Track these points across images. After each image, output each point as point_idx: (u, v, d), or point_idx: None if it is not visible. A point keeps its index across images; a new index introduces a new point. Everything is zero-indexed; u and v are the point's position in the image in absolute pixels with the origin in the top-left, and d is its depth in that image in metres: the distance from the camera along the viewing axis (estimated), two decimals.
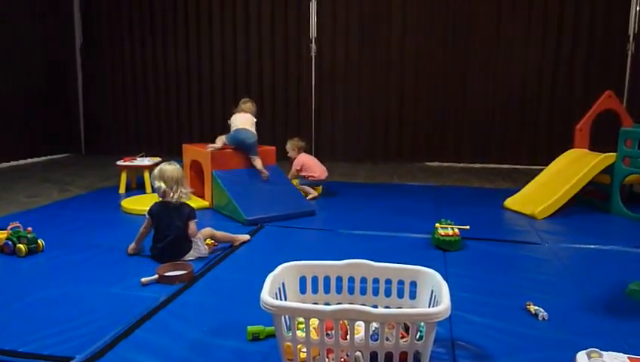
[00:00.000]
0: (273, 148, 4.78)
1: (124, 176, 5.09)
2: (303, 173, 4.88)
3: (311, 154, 7.21)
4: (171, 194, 3.05)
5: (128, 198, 4.65)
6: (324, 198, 4.95)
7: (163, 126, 7.91)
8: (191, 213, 3.05)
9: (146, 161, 5.18)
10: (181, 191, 3.06)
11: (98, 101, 8.03)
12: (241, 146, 4.34)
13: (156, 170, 3.08)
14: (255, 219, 3.93)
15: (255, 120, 4.55)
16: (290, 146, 4.99)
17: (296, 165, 4.79)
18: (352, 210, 4.42)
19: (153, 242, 3.07)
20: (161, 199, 3.07)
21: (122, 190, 5.08)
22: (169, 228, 3.02)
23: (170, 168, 3.08)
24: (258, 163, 4.34)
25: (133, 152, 6.45)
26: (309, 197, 4.76)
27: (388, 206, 4.58)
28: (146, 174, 5.06)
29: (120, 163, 5.13)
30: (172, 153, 7.30)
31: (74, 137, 8.10)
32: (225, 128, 4.66)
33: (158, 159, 5.32)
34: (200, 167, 4.54)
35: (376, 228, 3.85)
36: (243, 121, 4.41)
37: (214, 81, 7.61)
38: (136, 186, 5.28)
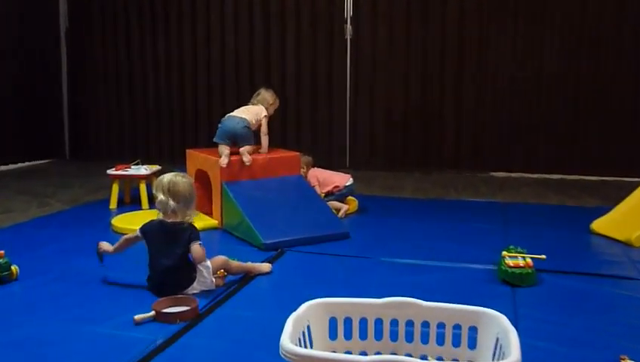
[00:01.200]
0: (296, 154, 4.82)
1: (115, 188, 5.19)
2: (324, 190, 4.95)
3: (344, 163, 7.46)
4: (178, 215, 3.06)
5: (121, 216, 4.74)
6: (360, 216, 4.97)
7: (164, 127, 8.03)
8: (192, 233, 3.04)
9: (143, 170, 5.28)
10: (190, 215, 3.09)
11: (86, 97, 8.21)
12: (232, 138, 4.41)
13: (164, 181, 3.08)
14: (275, 243, 3.96)
15: (265, 113, 4.63)
16: None
17: (311, 183, 4.85)
18: (396, 233, 4.42)
19: (149, 270, 3.11)
20: (161, 217, 3.09)
21: (113, 205, 5.17)
22: (167, 255, 3.04)
23: (183, 182, 3.10)
24: (245, 150, 4.40)
25: (127, 159, 6.56)
26: (341, 212, 4.81)
27: (442, 228, 4.57)
28: (143, 186, 5.16)
29: (111, 172, 5.24)
30: (174, 160, 7.41)
31: (56, 140, 8.26)
32: None
33: (157, 167, 5.42)
34: (207, 177, 4.61)
35: (427, 256, 3.84)
36: (240, 110, 4.54)
37: (226, 72, 7.72)
38: (131, 201, 5.37)
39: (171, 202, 3.05)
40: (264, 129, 4.64)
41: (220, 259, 3.22)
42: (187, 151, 5.03)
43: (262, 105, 4.67)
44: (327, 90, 7.45)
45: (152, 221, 3.16)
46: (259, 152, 4.64)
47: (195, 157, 4.82)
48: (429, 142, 7.28)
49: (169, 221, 3.07)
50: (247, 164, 4.41)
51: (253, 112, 4.61)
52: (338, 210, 4.82)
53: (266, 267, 3.44)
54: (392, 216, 5.00)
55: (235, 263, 3.31)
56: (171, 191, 3.06)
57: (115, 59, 8.00)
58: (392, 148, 7.39)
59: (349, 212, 4.95)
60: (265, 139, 4.64)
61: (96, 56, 8.05)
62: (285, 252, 3.90)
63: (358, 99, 7.39)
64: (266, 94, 4.73)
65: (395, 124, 7.33)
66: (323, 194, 4.93)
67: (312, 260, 3.77)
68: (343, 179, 5.06)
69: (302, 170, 4.90)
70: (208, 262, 3.12)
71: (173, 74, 7.88)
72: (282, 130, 7.48)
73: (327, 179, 5.03)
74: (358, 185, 6.46)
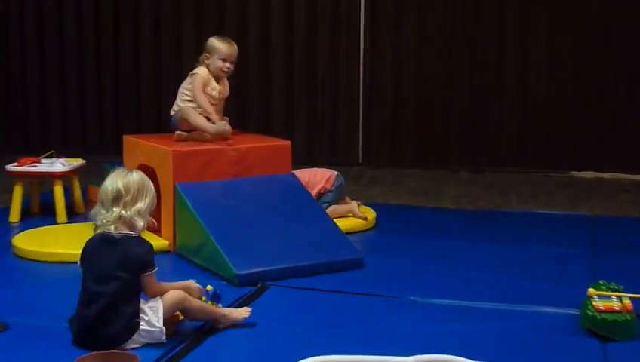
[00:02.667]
0: (287, 143, 4.86)
1: (18, 192, 5.20)
2: (314, 192, 5.05)
3: (355, 158, 7.58)
4: (125, 225, 3.15)
5: (26, 232, 4.74)
6: (379, 235, 4.99)
7: (89, 104, 8.10)
8: (145, 256, 3.13)
9: (59, 165, 5.29)
10: (143, 225, 3.20)
11: None
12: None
13: (118, 182, 3.16)
14: (254, 274, 3.96)
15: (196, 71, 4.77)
16: None
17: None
18: (431, 260, 4.43)
19: (77, 306, 3.14)
20: (100, 231, 3.16)
21: (15, 217, 5.19)
22: (101, 283, 3.07)
23: (133, 177, 3.21)
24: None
25: (36, 150, 6.56)
26: (356, 213, 5.05)
27: (499, 252, 4.58)
28: (59, 189, 5.16)
29: (12, 168, 5.25)
30: (104, 151, 7.40)
31: None
32: None
33: (79, 162, 5.43)
34: (154, 176, 4.59)
35: (477, 294, 3.83)
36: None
37: (184, 25, 7.82)
38: (41, 210, 5.38)
39: (116, 209, 3.13)
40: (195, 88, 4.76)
41: (176, 294, 3.22)
42: (125, 138, 5.02)
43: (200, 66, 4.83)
44: (329, 55, 7.57)
45: (92, 237, 3.22)
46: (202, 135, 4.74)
47: (137, 147, 4.83)
48: (481, 129, 7.36)
49: (114, 232, 3.13)
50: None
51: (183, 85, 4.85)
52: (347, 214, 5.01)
53: (242, 313, 3.43)
54: (425, 234, 5.00)
55: (197, 303, 3.30)
56: (131, 190, 3.17)
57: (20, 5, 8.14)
58: (426, 136, 7.45)
59: (361, 228, 5.00)
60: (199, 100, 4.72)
61: None
62: (269, 288, 3.90)
63: (375, 67, 7.50)
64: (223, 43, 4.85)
65: (431, 103, 7.41)
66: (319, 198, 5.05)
67: (309, 300, 3.76)
68: (326, 177, 5.16)
69: None
70: (158, 301, 3.14)
71: (106, 30, 8.00)
72: (265, 112, 7.67)
73: (312, 180, 5.12)
74: (377, 189, 6.60)
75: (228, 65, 4.77)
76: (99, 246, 3.14)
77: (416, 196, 6.27)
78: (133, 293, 3.10)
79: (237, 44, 4.82)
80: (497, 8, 7.27)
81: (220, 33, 5.28)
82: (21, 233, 4.72)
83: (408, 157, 7.51)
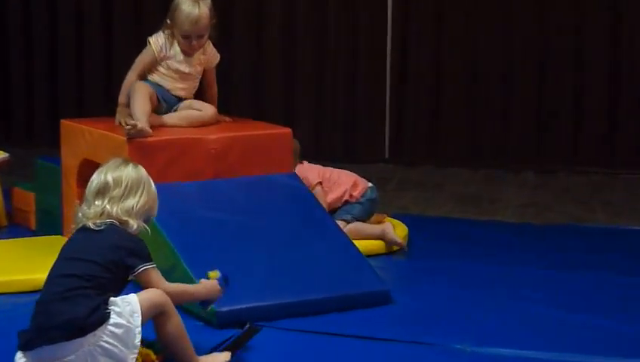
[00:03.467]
0: (287, 130, 4.91)
1: None
2: (330, 199, 5.13)
3: (381, 152, 7.68)
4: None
5: None
6: (412, 258, 5.00)
7: (15, 79, 8.20)
8: (137, 247, 3.37)
9: None
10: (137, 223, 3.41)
11: None
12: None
13: (107, 174, 3.39)
14: (240, 310, 3.94)
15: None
16: None
17: (310, 185, 5.10)
18: (481, 292, 4.43)
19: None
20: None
21: None
22: (70, 266, 3.23)
23: (137, 173, 3.47)
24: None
25: None
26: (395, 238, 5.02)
27: (575, 283, 4.58)
28: None
29: None
30: (35, 141, 7.55)
31: None
32: None
33: (2, 156, 5.45)
34: None
35: (545, 340, 3.82)
36: None
37: None
38: None
39: (98, 203, 3.36)
40: None
41: (156, 294, 3.35)
42: (63, 123, 5.03)
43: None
44: (342, 11, 7.64)
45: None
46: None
47: (80, 136, 4.83)
48: (552, 116, 7.42)
49: (95, 223, 3.33)
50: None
51: None
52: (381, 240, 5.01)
53: (222, 359, 3.48)
54: (475, 257, 5.02)
55: (178, 319, 3.40)
56: (102, 187, 3.38)
57: None
58: (477, 124, 7.52)
59: (388, 250, 5.03)
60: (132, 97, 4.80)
61: None
62: (260, 330, 3.85)
63: (408, 33, 7.62)
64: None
65: (483, 81, 7.49)
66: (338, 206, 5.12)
67: (316, 348, 3.76)
68: (353, 180, 5.21)
69: None
70: (132, 296, 3.28)
71: None
72: (259, 93, 7.79)
73: (333, 178, 5.18)
74: (410, 195, 6.60)
75: (193, 42, 4.77)
76: (73, 238, 3.35)
77: (463, 205, 6.29)
78: (109, 287, 3.22)
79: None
80: None
81: None
82: None
83: (453, 151, 7.57)
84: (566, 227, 5.75)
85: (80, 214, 3.37)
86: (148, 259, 3.35)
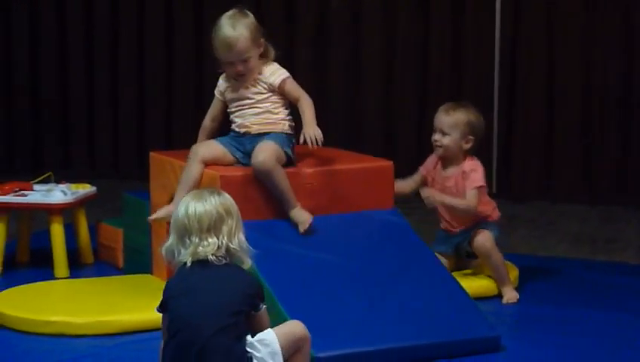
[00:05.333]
0: (389, 164, 4.90)
1: (1, 230, 5.29)
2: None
3: (490, 186, 7.51)
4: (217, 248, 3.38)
5: (9, 290, 4.81)
6: (526, 303, 4.95)
7: (102, 114, 8.36)
8: (260, 289, 3.44)
9: (58, 194, 5.34)
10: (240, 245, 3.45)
11: None
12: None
13: (181, 211, 3.41)
14: (341, 357, 3.94)
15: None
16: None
17: (474, 182, 5.09)
18: (601, 340, 4.37)
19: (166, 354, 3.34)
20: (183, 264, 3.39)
21: None
22: (203, 318, 3.25)
23: (216, 202, 3.45)
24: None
25: (24, 172, 6.67)
26: (507, 296, 4.97)
27: None
28: (57, 228, 5.23)
29: None
30: (121, 175, 7.67)
31: None
32: None
33: (87, 189, 5.51)
34: None
35: None
36: None
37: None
38: (31, 258, 5.50)
39: (212, 240, 3.38)
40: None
41: (297, 326, 3.48)
42: (152, 156, 5.09)
43: None
44: (450, 35, 7.64)
45: (177, 272, 3.43)
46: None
47: (169, 169, 4.87)
48: None
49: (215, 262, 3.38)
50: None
51: None
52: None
53: None
54: (593, 302, 4.95)
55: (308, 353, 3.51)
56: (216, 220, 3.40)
57: None
58: (594, 157, 7.47)
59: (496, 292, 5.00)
60: None
61: None
62: None
63: (520, 55, 7.59)
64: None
65: (599, 112, 7.45)
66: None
67: None
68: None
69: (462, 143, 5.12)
70: (270, 333, 3.36)
71: (124, 23, 8.37)
72: (355, 120, 7.83)
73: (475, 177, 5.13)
74: (520, 234, 6.56)
75: (239, 67, 4.66)
76: (198, 274, 3.34)
77: (578, 245, 6.23)
78: (243, 331, 3.30)
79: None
80: None
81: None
82: (3, 291, 4.77)
83: (567, 186, 7.50)
84: None
85: (189, 250, 3.36)
86: (264, 297, 3.41)
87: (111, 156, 8.28)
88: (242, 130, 4.68)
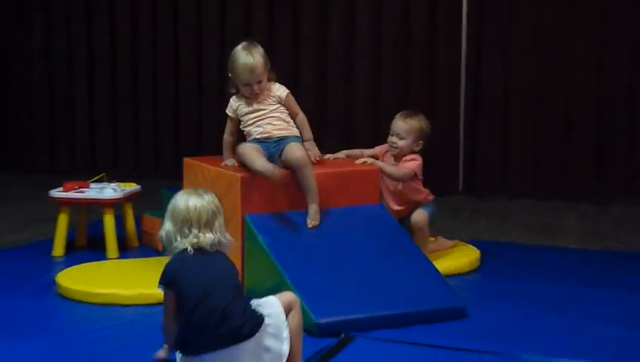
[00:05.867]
0: (375, 168, 4.91)
1: (63, 221, 5.31)
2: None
3: (454, 186, 7.60)
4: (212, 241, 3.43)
5: (71, 269, 4.83)
6: (486, 279, 4.98)
7: (144, 122, 8.38)
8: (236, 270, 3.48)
9: (110, 191, 5.38)
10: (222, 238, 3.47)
11: (13, 76, 8.67)
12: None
13: (182, 204, 3.45)
14: (337, 322, 3.97)
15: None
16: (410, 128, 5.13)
17: (410, 170, 5.07)
18: (547, 310, 4.38)
19: (182, 328, 3.32)
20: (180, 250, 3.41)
21: (59, 250, 5.31)
22: (218, 289, 3.29)
23: (210, 200, 3.50)
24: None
25: (83, 173, 6.69)
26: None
27: (633, 304, 4.50)
28: (109, 219, 5.27)
29: (56, 193, 5.35)
30: (161, 175, 7.63)
31: None
32: None
33: (133, 187, 5.54)
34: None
35: (606, 355, 3.75)
36: None
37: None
38: (88, 243, 5.50)
39: (209, 234, 3.42)
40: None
41: (289, 294, 3.52)
42: (185, 161, 5.11)
43: None
44: (423, 58, 7.63)
45: (174, 257, 3.41)
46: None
47: (199, 172, 4.90)
48: (609, 152, 7.34)
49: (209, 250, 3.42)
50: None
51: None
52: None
53: None
54: (541, 278, 4.97)
55: (300, 318, 3.48)
56: (206, 213, 3.44)
57: (63, 20, 8.54)
58: (541, 161, 7.47)
59: (463, 271, 5.02)
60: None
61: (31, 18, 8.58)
62: (354, 339, 3.90)
63: (482, 76, 7.59)
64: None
65: (547, 121, 7.44)
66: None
67: (402, 355, 3.75)
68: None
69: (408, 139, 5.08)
70: (277, 303, 3.38)
71: (162, 41, 8.37)
72: (347, 128, 7.84)
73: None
74: (482, 224, 6.58)
75: (254, 87, 4.67)
76: (195, 259, 3.36)
77: (529, 232, 6.22)
78: (245, 298, 3.38)
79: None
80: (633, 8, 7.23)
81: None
82: (66, 269, 4.81)
83: (519, 185, 7.51)
84: (622, 253, 5.66)
85: (196, 239, 3.38)
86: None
87: (152, 160, 8.32)
88: (264, 136, 4.66)
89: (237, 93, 4.78)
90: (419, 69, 7.76)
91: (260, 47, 4.71)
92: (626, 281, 4.92)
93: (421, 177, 5.14)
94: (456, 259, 5.12)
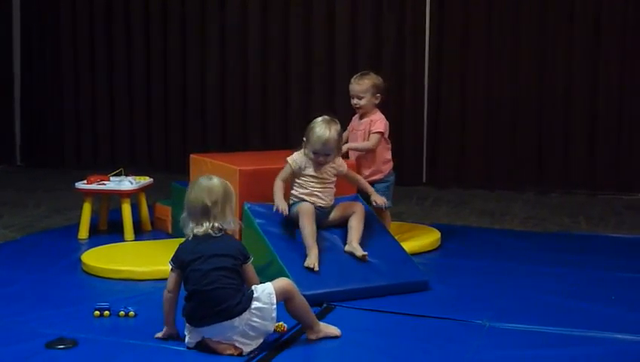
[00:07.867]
0: (352, 163, 4.88)
1: (87, 210, 5.30)
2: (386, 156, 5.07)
3: (419, 178, 7.59)
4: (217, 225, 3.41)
5: (94, 250, 4.82)
6: (445, 257, 4.98)
7: (156, 124, 8.33)
8: (245, 250, 3.46)
9: (127, 183, 5.37)
10: (230, 221, 3.46)
11: (44, 81, 8.56)
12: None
13: (197, 189, 3.44)
14: (320, 294, 3.98)
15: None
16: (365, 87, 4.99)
17: (376, 130, 4.98)
18: (497, 283, 4.40)
19: (187, 305, 3.36)
20: (192, 235, 3.42)
21: (84, 234, 5.30)
22: (213, 262, 3.32)
23: (219, 183, 3.47)
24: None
25: (104, 167, 6.66)
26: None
27: (567, 276, 4.52)
28: (126, 207, 5.25)
29: (81, 185, 5.34)
30: (170, 170, 7.61)
31: (3, 139, 8.58)
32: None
33: (147, 180, 5.51)
34: None
35: (545, 319, 3.78)
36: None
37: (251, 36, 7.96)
38: (109, 228, 5.49)
39: (217, 223, 3.41)
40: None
41: (285, 281, 3.48)
42: (191, 157, 5.10)
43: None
44: (392, 67, 7.58)
45: (185, 241, 3.43)
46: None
47: (204, 166, 4.88)
48: (548, 150, 7.35)
49: (209, 232, 3.40)
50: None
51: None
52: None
53: (334, 331, 3.55)
54: (492, 256, 4.98)
55: (302, 297, 3.48)
56: (212, 195, 3.42)
57: (84, 29, 8.40)
58: (492, 157, 7.47)
59: (426, 250, 5.02)
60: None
61: (59, 30, 8.46)
62: (334, 308, 3.92)
63: (443, 84, 7.56)
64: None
65: (497, 123, 7.43)
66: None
67: (374, 322, 3.78)
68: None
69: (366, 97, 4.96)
70: (270, 287, 3.36)
71: (173, 45, 8.22)
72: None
73: (368, 156, 5.04)
74: (442, 210, 6.57)
75: (320, 158, 4.40)
76: (201, 244, 3.37)
77: (482, 217, 6.23)
78: (240, 278, 3.38)
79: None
80: (566, 28, 7.21)
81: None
82: (90, 250, 4.81)
83: (474, 177, 7.49)
84: (558, 234, 5.68)
85: (206, 229, 3.38)
86: (250, 256, 3.47)
87: (163, 156, 8.27)
88: (323, 204, 4.43)
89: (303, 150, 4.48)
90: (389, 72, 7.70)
91: (338, 125, 4.43)
92: (563, 258, 4.93)
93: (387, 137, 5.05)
94: (420, 239, 5.12)
